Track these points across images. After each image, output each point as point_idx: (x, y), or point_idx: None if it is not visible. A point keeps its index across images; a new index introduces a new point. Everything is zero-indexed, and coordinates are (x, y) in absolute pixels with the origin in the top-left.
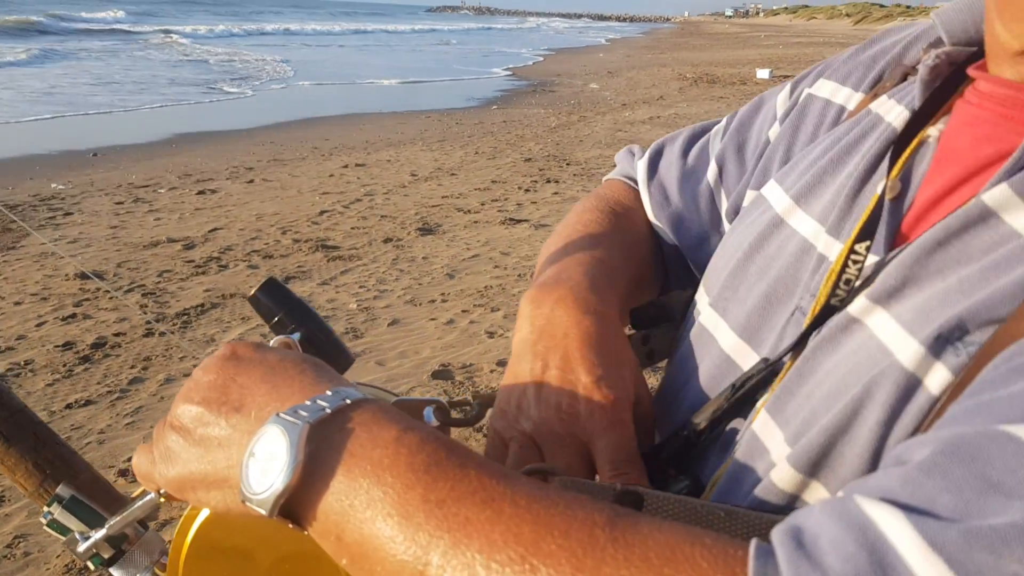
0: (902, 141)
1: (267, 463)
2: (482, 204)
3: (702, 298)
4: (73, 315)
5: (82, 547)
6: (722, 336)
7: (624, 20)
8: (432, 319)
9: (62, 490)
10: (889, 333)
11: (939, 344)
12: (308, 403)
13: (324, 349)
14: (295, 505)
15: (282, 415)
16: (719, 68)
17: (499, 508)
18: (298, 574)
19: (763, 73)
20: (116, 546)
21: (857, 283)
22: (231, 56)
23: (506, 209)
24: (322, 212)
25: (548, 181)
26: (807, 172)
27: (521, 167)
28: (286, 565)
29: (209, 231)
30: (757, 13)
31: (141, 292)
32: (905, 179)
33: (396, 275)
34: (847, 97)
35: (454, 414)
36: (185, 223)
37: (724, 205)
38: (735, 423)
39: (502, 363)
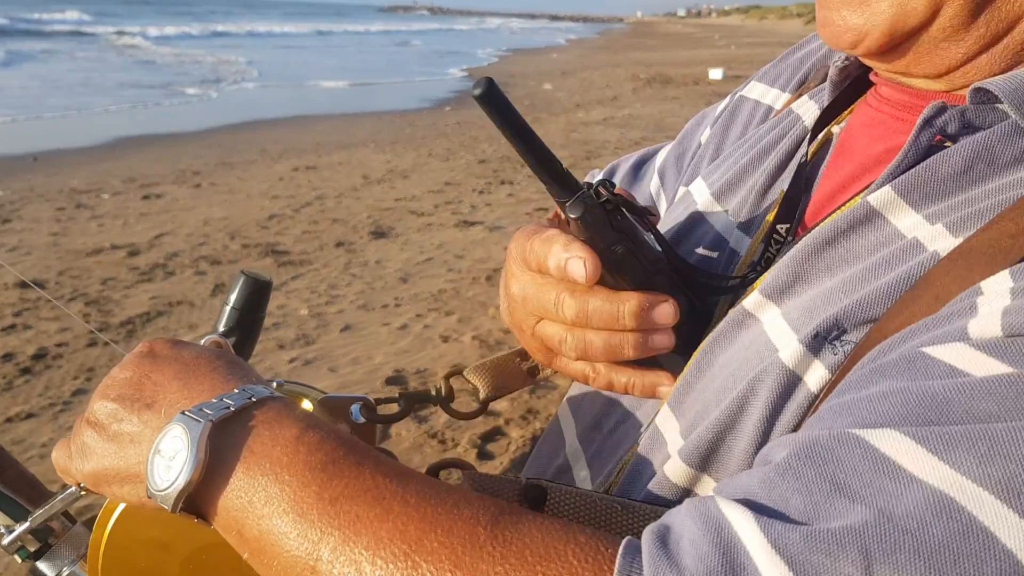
0: (811, 139)
1: (171, 460)
2: (435, 206)
3: None
4: (12, 326)
5: (6, 540)
6: None
7: (578, 20)
8: (385, 324)
9: None
10: (776, 330)
11: (817, 342)
12: (215, 401)
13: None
14: (198, 501)
15: (187, 413)
16: (673, 68)
17: (389, 506)
18: (213, 564)
19: (716, 73)
20: (42, 539)
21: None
22: (186, 57)
23: (460, 211)
24: (271, 216)
25: (502, 183)
26: (729, 170)
27: (475, 168)
28: (202, 555)
29: (155, 237)
30: (710, 13)
31: (84, 301)
32: (809, 176)
33: (348, 280)
34: (775, 98)
35: (381, 410)
36: (130, 229)
37: (664, 208)
38: (644, 412)
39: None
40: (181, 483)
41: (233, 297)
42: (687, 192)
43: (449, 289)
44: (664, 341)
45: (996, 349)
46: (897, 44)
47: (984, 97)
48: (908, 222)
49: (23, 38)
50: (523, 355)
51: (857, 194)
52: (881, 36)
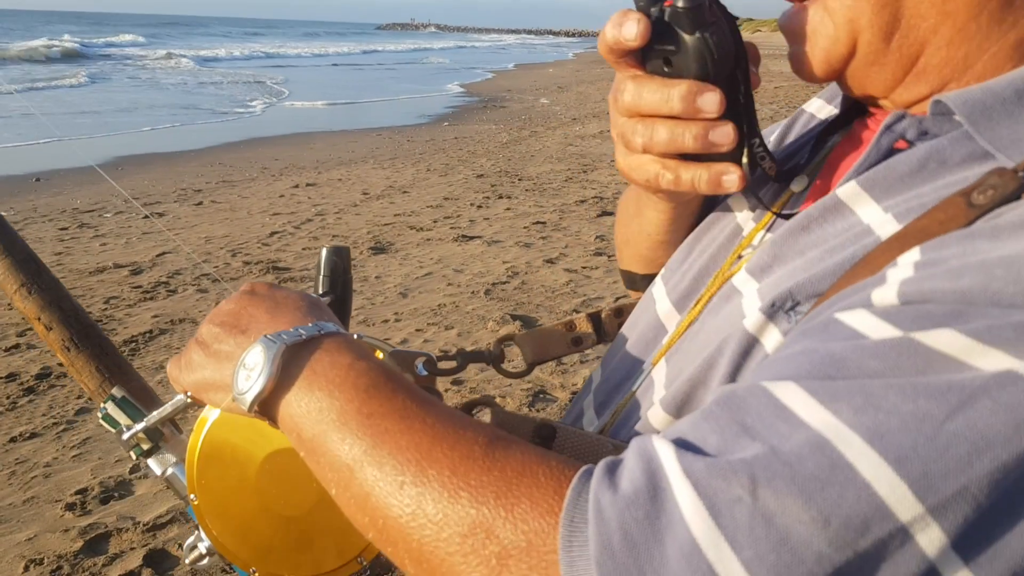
0: (818, 144)
1: (250, 371)
2: (434, 221)
3: (661, 274)
4: (16, 345)
5: (125, 435)
6: (660, 302)
7: (572, 35)
8: (385, 339)
9: (116, 391)
10: (749, 302)
11: (774, 311)
12: (291, 330)
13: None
14: (268, 407)
15: (267, 336)
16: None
17: (411, 424)
18: (283, 465)
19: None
20: (154, 441)
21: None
22: (228, 78)
23: (459, 226)
24: (272, 233)
25: (500, 197)
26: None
27: (473, 183)
28: (276, 458)
29: (157, 255)
30: None
31: None
32: (812, 175)
33: None
34: (829, 113)
35: (441, 366)
36: (132, 248)
37: None
38: (646, 365)
39: (457, 383)
40: (256, 390)
41: (322, 266)
42: None
43: (448, 304)
44: (724, 136)
45: (890, 315)
46: (838, 71)
47: (941, 109)
48: (869, 211)
49: (85, 62)
50: (568, 326)
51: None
52: (822, 64)
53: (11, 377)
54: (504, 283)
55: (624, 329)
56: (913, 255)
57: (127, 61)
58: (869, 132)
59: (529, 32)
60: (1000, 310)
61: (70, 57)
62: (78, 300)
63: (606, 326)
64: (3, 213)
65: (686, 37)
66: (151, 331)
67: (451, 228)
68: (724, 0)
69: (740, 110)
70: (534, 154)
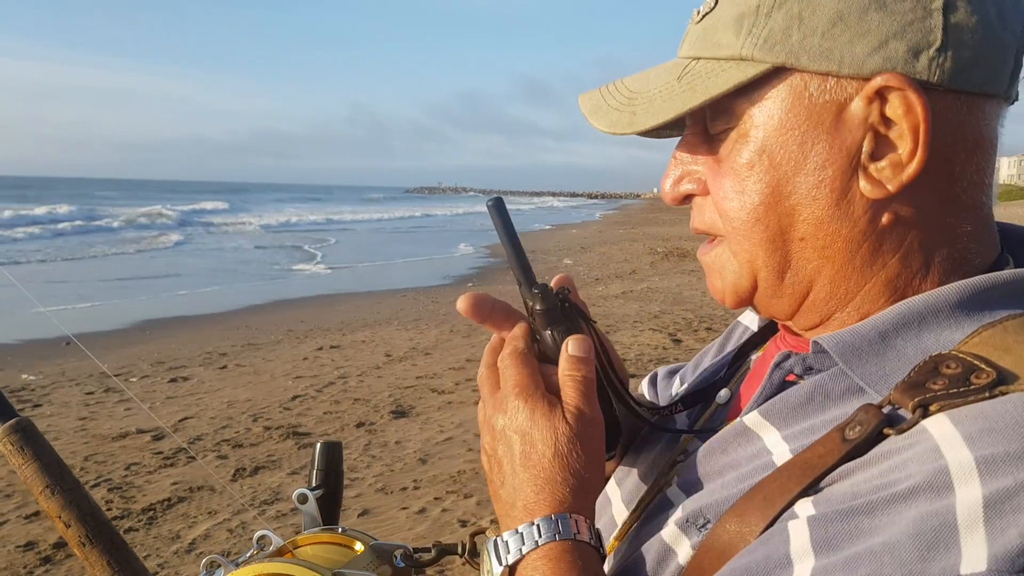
0: (739, 356)
1: (508, 543)
2: (456, 384)
3: (614, 474)
4: (36, 513)
5: None
6: (615, 503)
7: (595, 197)
8: (403, 508)
9: None
10: (673, 514)
11: (688, 526)
12: (548, 528)
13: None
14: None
15: (532, 525)
16: (689, 242)
17: None
18: None
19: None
20: None
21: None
22: (281, 241)
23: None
24: (295, 397)
25: None
26: (698, 378)
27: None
28: None
29: (179, 420)
30: None
31: (107, 487)
32: (734, 388)
33: (368, 462)
34: (756, 320)
35: (419, 557)
36: (156, 413)
37: None
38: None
39: (474, 555)
40: (510, 561)
41: (316, 460)
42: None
43: (468, 470)
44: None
45: None
46: (744, 300)
47: (819, 348)
48: (772, 439)
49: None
50: None
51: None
52: (732, 295)
53: (29, 546)
54: None
55: None
56: (803, 523)
57: (211, 227)
58: (777, 351)
59: (553, 194)
60: None
61: (165, 224)
62: (100, 465)
63: None
64: (33, 378)
65: (543, 331)
66: (169, 499)
67: (473, 391)
68: None
69: (604, 389)
70: None
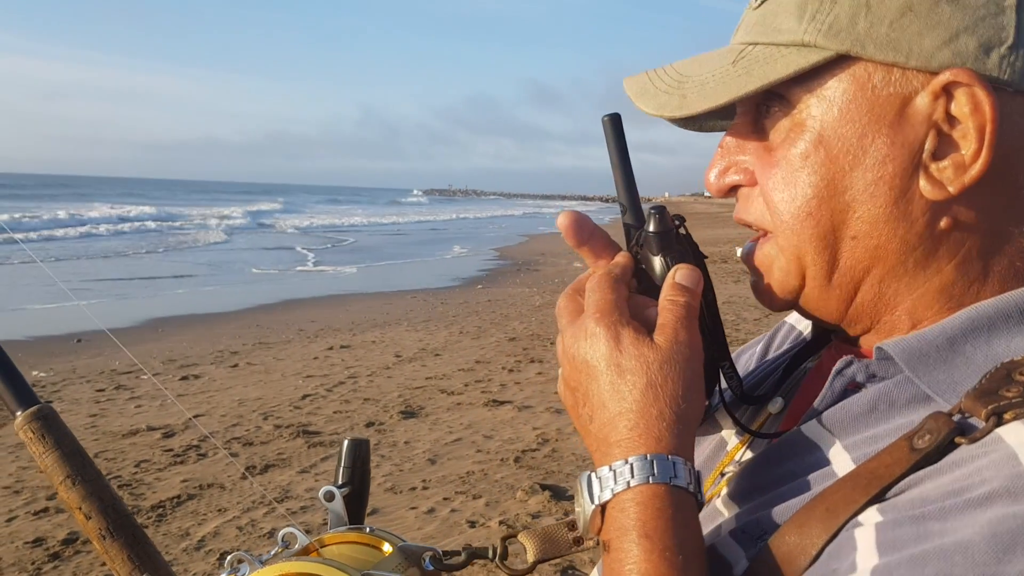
0: (792, 365)
1: (606, 479)
2: (465, 385)
3: None
4: (45, 509)
5: None
6: None
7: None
8: (412, 508)
9: None
10: (726, 524)
11: (745, 538)
12: (656, 464)
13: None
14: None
15: (638, 459)
16: (701, 247)
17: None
18: None
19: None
20: None
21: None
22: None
23: (489, 390)
24: (305, 396)
25: (532, 361)
26: (751, 377)
27: (505, 347)
28: None
29: (190, 417)
30: None
31: (117, 484)
32: (787, 397)
33: (377, 461)
34: (807, 325)
35: (448, 560)
36: (166, 410)
37: None
38: None
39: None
40: (605, 499)
41: (343, 457)
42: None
43: (477, 471)
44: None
45: None
46: (792, 300)
47: (883, 354)
48: (832, 448)
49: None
50: (571, 525)
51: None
52: (778, 295)
53: (38, 542)
54: (534, 450)
55: None
56: (871, 528)
57: (262, 229)
58: (832, 363)
59: (563, 197)
60: None
61: (241, 224)
62: (109, 462)
63: None
64: (43, 374)
65: (652, 257)
66: (179, 496)
67: (482, 392)
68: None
69: (707, 336)
70: None
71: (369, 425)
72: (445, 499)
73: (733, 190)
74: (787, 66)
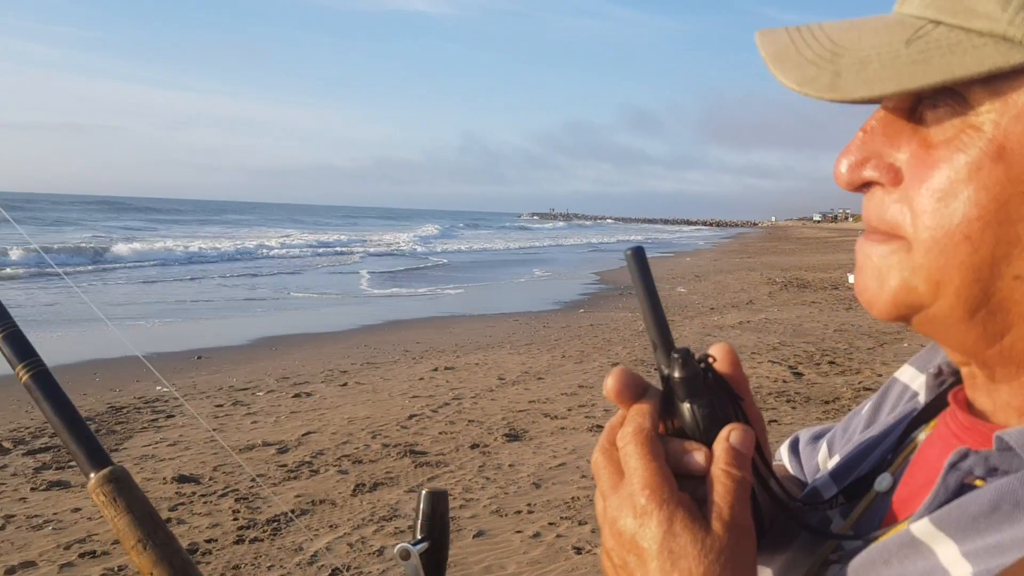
0: (902, 438)
1: None
2: (569, 410)
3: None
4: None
5: None
6: None
7: (711, 225)
8: (518, 531)
9: None
10: None
11: None
12: None
13: None
14: None
15: None
16: (809, 272)
17: None
18: None
19: (855, 279)
20: None
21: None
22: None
23: (593, 415)
24: (411, 416)
25: None
26: (856, 449)
27: (608, 372)
28: None
29: (303, 435)
30: (846, 218)
31: (234, 497)
32: (896, 475)
33: (482, 483)
34: (921, 384)
35: None
36: (280, 426)
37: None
38: None
39: None
40: None
41: (420, 510)
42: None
43: (583, 497)
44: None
45: None
46: (902, 316)
47: (1004, 445)
48: (948, 554)
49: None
50: None
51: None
52: (888, 305)
53: None
54: None
55: None
56: None
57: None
58: (950, 434)
59: (665, 221)
60: None
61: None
62: (227, 476)
63: None
64: (165, 389)
65: (680, 404)
66: (293, 510)
67: (586, 417)
68: None
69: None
70: None
71: (474, 447)
72: (551, 524)
73: (866, 186)
74: (979, 62)
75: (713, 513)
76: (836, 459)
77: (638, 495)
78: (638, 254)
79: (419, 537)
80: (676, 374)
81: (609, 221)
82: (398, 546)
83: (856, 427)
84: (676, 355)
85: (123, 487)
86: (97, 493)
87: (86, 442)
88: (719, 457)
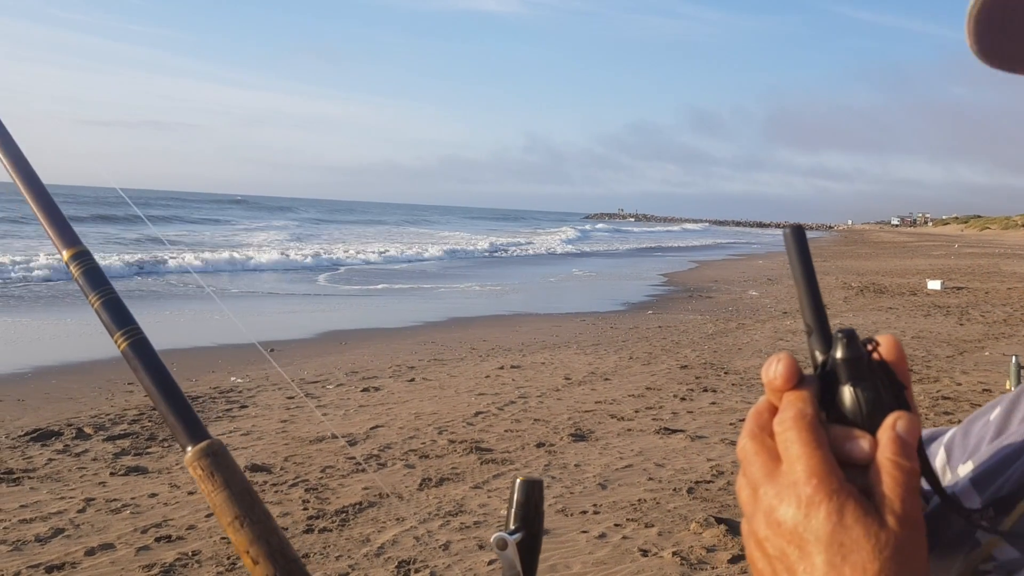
0: None
1: None
2: (636, 411)
3: None
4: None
5: None
6: None
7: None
8: (583, 531)
9: None
10: None
11: None
12: None
13: None
14: None
15: None
16: (886, 277)
17: None
18: None
19: (934, 284)
20: None
21: None
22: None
23: (661, 418)
24: (477, 413)
25: (705, 390)
26: (996, 456)
27: (676, 374)
28: None
29: (371, 428)
30: (925, 222)
31: (304, 487)
32: None
33: (548, 482)
34: None
35: None
36: (349, 419)
37: (947, 481)
38: None
39: None
40: None
41: (515, 499)
42: (956, 474)
43: (649, 499)
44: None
45: None
46: None
47: None
48: None
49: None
50: None
51: None
52: None
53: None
54: (708, 482)
55: None
56: None
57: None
58: None
59: (737, 223)
60: None
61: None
62: (298, 466)
63: None
64: (240, 380)
65: (841, 387)
66: (360, 503)
67: (653, 419)
68: None
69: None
70: (741, 347)
71: (539, 446)
72: (616, 525)
73: None
74: None
75: (885, 506)
76: (969, 465)
77: (803, 484)
78: (797, 233)
79: (512, 527)
80: (839, 354)
81: (703, 224)
82: (495, 535)
83: (983, 434)
84: (840, 334)
85: (221, 462)
86: (195, 467)
87: (184, 414)
88: (886, 446)
